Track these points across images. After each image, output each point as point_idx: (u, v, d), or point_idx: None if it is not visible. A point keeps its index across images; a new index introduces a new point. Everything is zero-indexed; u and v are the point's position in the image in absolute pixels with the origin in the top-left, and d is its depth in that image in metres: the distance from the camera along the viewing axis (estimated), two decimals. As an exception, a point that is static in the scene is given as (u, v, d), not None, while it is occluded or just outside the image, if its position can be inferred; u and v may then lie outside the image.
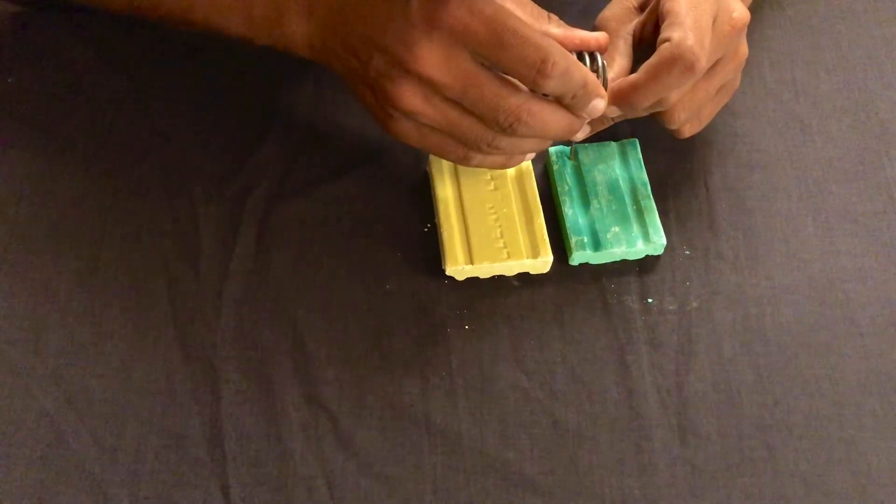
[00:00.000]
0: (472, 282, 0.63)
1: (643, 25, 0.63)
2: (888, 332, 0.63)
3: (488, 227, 0.63)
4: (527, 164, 0.66)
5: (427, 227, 0.65)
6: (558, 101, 0.57)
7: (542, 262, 0.63)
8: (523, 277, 0.64)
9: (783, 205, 0.67)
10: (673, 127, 0.63)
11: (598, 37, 0.60)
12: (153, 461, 0.57)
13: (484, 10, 0.54)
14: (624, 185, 0.65)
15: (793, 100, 0.71)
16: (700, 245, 0.65)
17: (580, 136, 0.62)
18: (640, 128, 0.68)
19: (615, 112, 0.60)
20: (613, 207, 0.65)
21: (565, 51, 0.55)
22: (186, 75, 0.71)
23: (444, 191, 0.65)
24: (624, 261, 0.64)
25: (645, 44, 0.63)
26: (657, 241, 0.63)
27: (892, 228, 0.66)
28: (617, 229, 0.64)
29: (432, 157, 0.66)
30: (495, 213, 0.64)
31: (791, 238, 0.66)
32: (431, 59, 0.54)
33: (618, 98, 0.60)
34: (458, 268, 0.62)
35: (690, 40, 0.57)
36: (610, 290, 0.63)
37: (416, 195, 0.67)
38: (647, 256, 0.64)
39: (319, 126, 0.69)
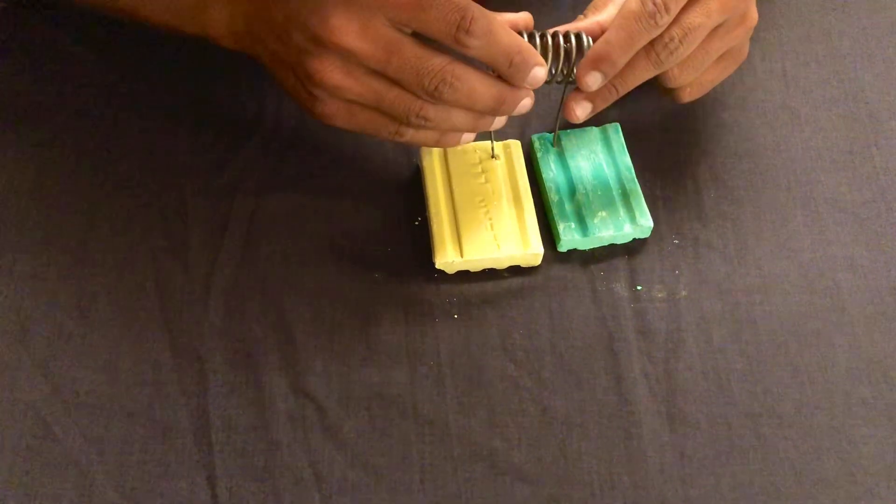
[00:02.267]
0: (462, 272, 0.63)
1: None
2: (878, 320, 0.62)
3: (479, 221, 0.63)
4: (518, 157, 0.66)
5: (417, 222, 0.65)
6: (497, 74, 0.57)
7: (533, 255, 0.63)
8: (512, 267, 0.64)
9: (772, 194, 0.67)
10: (671, 86, 0.62)
11: (524, 16, 0.60)
12: (140, 452, 0.57)
13: None
14: (608, 170, 0.66)
15: (783, 90, 0.71)
16: (689, 234, 0.65)
17: (580, 113, 0.61)
18: (628, 117, 0.68)
19: (598, 79, 0.59)
20: (599, 192, 0.65)
21: (487, 11, 0.55)
22: (175, 70, 0.71)
23: (435, 184, 0.65)
24: (613, 249, 0.64)
25: None
26: (644, 224, 0.63)
27: (882, 217, 0.66)
28: (604, 214, 0.64)
29: (423, 151, 0.66)
30: (485, 206, 0.64)
31: (780, 228, 0.66)
32: (348, 29, 0.54)
33: (596, 60, 0.58)
34: (447, 261, 0.62)
35: None
36: (599, 279, 0.63)
37: (406, 189, 0.66)
38: (635, 242, 0.64)
39: (309, 120, 0.69)
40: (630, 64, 0.59)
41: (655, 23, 0.57)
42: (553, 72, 0.59)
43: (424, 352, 0.60)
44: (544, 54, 0.59)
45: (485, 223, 0.63)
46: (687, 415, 0.59)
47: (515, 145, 0.67)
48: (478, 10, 0.54)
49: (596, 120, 0.67)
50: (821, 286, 0.63)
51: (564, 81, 0.60)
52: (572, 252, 0.64)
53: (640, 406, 0.59)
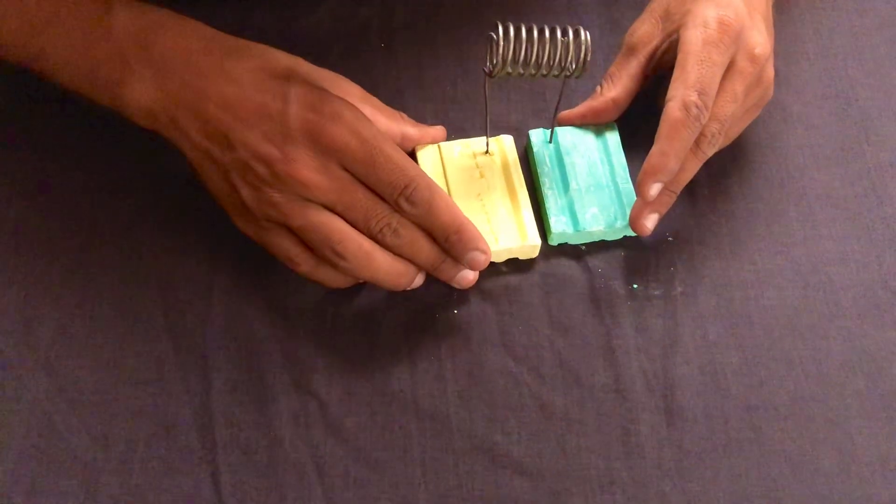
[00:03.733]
0: (460, 268, 0.64)
1: (665, 52, 0.65)
2: (871, 313, 0.63)
3: (475, 215, 0.64)
4: (511, 152, 0.67)
5: (415, 218, 0.66)
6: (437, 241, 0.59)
7: (531, 247, 0.63)
8: (510, 263, 0.64)
9: (765, 191, 0.68)
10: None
11: (442, 132, 0.67)
12: (144, 450, 0.58)
13: (363, 132, 0.57)
14: (603, 167, 0.66)
15: (775, 88, 0.72)
16: (683, 231, 0.66)
17: (650, 225, 0.62)
18: (624, 117, 0.68)
19: (658, 188, 0.61)
20: (592, 189, 0.65)
21: (434, 184, 0.58)
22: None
23: (432, 179, 0.65)
24: (609, 248, 0.65)
25: (663, 69, 0.65)
26: (635, 221, 0.64)
27: (873, 212, 0.67)
28: (595, 210, 0.64)
29: (419, 147, 0.66)
30: (482, 200, 0.65)
31: (773, 223, 0.66)
32: (308, 164, 0.56)
33: (655, 171, 0.60)
34: (445, 255, 0.63)
35: (692, 96, 0.60)
36: (596, 277, 0.64)
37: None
38: (630, 240, 0.65)
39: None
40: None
41: (700, 123, 0.60)
42: (552, 64, 0.60)
43: (425, 347, 0.61)
44: (541, 48, 0.59)
45: (481, 217, 0.64)
46: (684, 409, 0.60)
47: (508, 140, 0.67)
48: (423, 181, 0.58)
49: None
50: (814, 280, 0.64)
51: (562, 75, 0.61)
52: (569, 250, 0.65)
53: (638, 402, 0.60)
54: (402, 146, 0.65)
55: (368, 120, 0.58)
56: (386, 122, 0.64)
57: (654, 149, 0.60)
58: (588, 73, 0.62)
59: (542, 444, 0.59)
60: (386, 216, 0.58)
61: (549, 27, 0.60)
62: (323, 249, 0.58)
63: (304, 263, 0.60)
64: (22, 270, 0.63)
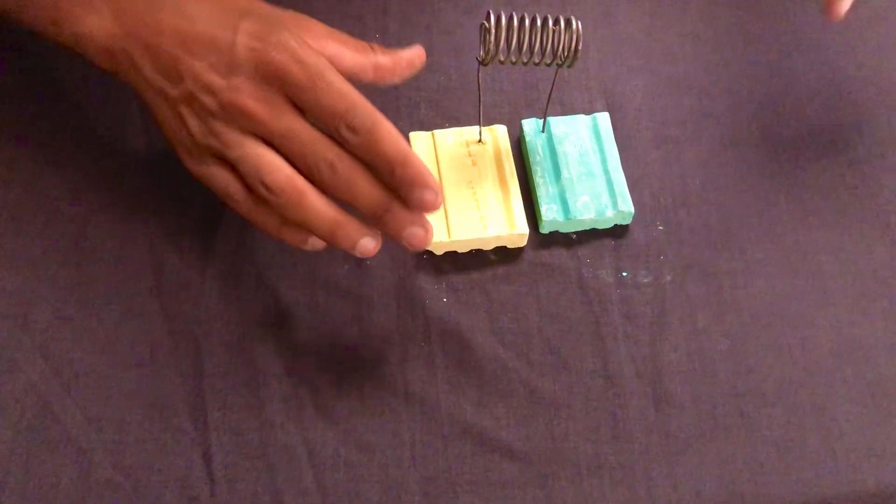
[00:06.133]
0: (450, 255, 0.64)
1: None
2: (858, 302, 0.64)
3: (466, 202, 0.65)
4: (504, 141, 0.67)
5: (408, 206, 0.66)
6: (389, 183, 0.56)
7: (519, 236, 0.64)
8: (499, 251, 0.65)
9: (756, 181, 0.68)
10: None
11: (420, 52, 0.62)
12: (137, 431, 0.58)
13: (306, 59, 0.55)
14: (594, 157, 0.67)
15: (767, 79, 0.73)
16: (673, 220, 0.66)
17: (842, 7, 0.59)
18: (617, 107, 0.69)
19: None
20: (584, 177, 0.66)
21: (379, 114, 0.55)
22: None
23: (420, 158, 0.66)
24: (598, 236, 0.65)
25: None
26: (625, 210, 0.65)
27: (863, 203, 0.67)
28: (586, 198, 0.65)
29: (412, 134, 0.67)
30: (472, 188, 0.65)
31: (764, 213, 0.67)
32: (250, 92, 0.55)
33: None
34: (435, 241, 0.63)
35: None
36: (585, 264, 0.65)
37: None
38: (620, 228, 0.66)
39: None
40: None
41: None
42: (543, 52, 0.61)
43: (415, 334, 0.62)
44: (532, 36, 0.60)
45: (472, 205, 0.64)
46: (672, 395, 0.60)
47: (501, 129, 0.68)
48: (366, 107, 0.55)
49: (586, 109, 0.69)
50: (803, 269, 0.65)
51: (553, 64, 0.62)
52: (559, 239, 0.65)
53: (627, 388, 0.60)
54: (377, 79, 0.62)
55: (315, 50, 0.56)
56: (352, 55, 0.61)
57: None
58: (579, 64, 0.62)
59: (531, 428, 0.59)
60: (323, 149, 0.55)
61: (540, 16, 0.61)
62: (255, 183, 0.56)
63: (243, 202, 0.58)
64: (19, 256, 0.64)
